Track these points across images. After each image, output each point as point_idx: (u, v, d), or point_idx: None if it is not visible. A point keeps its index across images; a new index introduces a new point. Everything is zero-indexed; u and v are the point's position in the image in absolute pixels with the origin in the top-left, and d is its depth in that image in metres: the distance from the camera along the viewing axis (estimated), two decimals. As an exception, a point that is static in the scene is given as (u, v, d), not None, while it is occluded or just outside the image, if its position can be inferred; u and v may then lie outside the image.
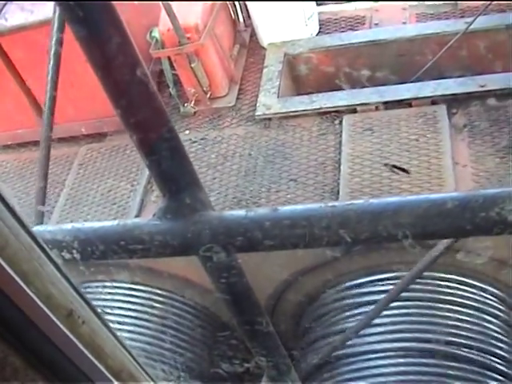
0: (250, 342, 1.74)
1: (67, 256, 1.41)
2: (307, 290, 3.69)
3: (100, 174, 4.22)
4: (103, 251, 1.44)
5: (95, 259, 1.47)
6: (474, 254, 3.07)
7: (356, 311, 3.42)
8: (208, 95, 4.39)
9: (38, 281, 0.89)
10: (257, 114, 4.17)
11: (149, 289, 3.88)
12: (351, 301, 3.49)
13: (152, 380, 1.22)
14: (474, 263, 3.27)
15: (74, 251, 1.42)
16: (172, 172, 1.34)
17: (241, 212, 1.40)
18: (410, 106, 3.86)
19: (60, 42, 2.57)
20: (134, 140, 1.25)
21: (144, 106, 1.22)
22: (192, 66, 4.17)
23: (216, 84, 4.39)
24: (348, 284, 3.55)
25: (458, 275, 3.39)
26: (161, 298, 3.89)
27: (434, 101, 3.84)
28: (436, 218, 1.27)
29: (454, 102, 3.81)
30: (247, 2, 4.68)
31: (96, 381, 1.01)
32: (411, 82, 4.06)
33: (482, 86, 3.76)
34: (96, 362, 1.01)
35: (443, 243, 2.08)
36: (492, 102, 3.71)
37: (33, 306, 0.87)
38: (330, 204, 1.34)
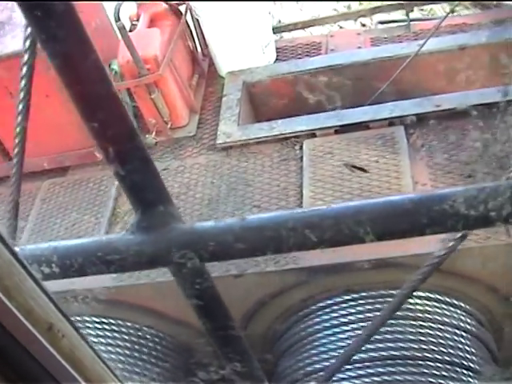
0: (223, 347, 1.77)
1: (46, 271, 1.44)
2: (276, 315, 3.71)
3: (63, 208, 4.20)
4: (81, 264, 1.48)
5: (74, 273, 1.50)
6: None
7: (328, 332, 3.45)
8: (169, 125, 4.41)
9: (20, 296, 0.92)
10: (218, 142, 4.20)
11: (117, 322, 3.87)
12: (322, 324, 3.52)
13: None
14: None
15: (53, 265, 1.46)
16: (144, 186, 1.40)
17: (210, 223, 1.48)
18: (368, 128, 3.92)
19: (30, 75, 2.58)
20: (109, 153, 1.29)
21: (119, 119, 1.28)
22: (152, 97, 4.19)
23: (176, 114, 4.41)
24: (315, 307, 3.58)
25: (427, 292, 3.43)
26: (131, 330, 3.88)
27: (391, 122, 3.90)
28: (394, 214, 1.37)
29: (411, 122, 3.88)
30: (204, 32, 4.73)
31: None
32: (368, 104, 4.13)
33: (438, 106, 3.83)
34: (76, 375, 1.03)
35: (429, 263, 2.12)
36: (448, 121, 3.79)
37: (15, 320, 0.89)
38: (295, 211, 1.46)
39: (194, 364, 3.90)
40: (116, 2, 3.91)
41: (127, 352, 3.82)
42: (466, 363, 3.27)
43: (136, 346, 3.85)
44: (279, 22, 6.03)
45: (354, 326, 3.41)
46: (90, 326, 3.84)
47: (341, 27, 5.47)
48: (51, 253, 1.47)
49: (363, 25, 6.01)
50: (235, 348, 1.77)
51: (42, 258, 1.47)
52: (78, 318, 3.84)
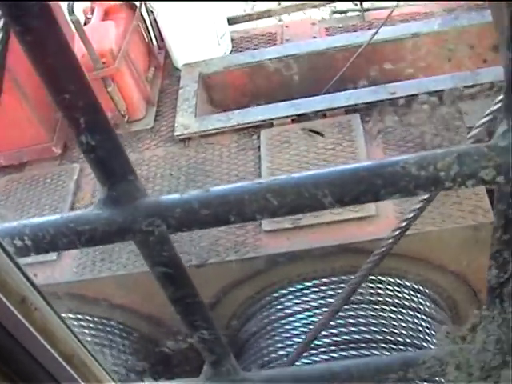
0: (189, 315, 1.81)
1: (19, 244, 1.46)
2: (238, 303, 3.74)
3: (21, 205, 4.17)
4: (53, 235, 1.50)
5: (46, 246, 1.52)
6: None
7: (291, 319, 3.50)
8: (126, 119, 4.40)
9: (-8, 269, 0.94)
10: (175, 134, 4.20)
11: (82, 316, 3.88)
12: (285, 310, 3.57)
13: (101, 366, 1.26)
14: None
15: (26, 238, 1.47)
16: (111, 159, 1.42)
17: (176, 195, 1.52)
18: (325, 116, 3.96)
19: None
20: (80, 124, 1.31)
21: (88, 90, 1.31)
22: (108, 90, 4.17)
23: (133, 107, 4.40)
24: (277, 294, 3.62)
25: (388, 276, 3.50)
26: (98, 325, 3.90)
27: (347, 110, 3.95)
28: (351, 178, 1.44)
29: (366, 110, 3.93)
30: (160, 24, 4.73)
31: (48, 366, 1.05)
32: (324, 93, 4.17)
33: (393, 94, 3.88)
34: (48, 347, 1.05)
35: (383, 247, 2.17)
36: (402, 108, 3.84)
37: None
38: (257, 180, 1.51)
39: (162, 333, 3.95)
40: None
41: (99, 327, 3.84)
42: (426, 345, 3.33)
43: (104, 321, 3.87)
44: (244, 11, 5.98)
45: (317, 311, 3.45)
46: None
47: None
48: (23, 227, 1.50)
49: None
50: (201, 316, 1.81)
51: (14, 232, 1.49)
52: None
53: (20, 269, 1.01)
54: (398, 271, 3.49)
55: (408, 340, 3.31)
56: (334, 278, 3.51)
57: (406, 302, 3.48)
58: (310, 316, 3.46)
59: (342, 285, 3.44)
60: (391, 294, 3.47)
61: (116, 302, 3.79)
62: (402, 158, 1.40)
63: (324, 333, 3.17)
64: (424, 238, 3.29)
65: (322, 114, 3.98)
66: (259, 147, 3.94)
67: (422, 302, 3.54)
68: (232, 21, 5.07)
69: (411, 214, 2.00)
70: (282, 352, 3.43)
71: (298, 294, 3.56)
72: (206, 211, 1.48)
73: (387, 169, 1.41)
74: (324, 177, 1.46)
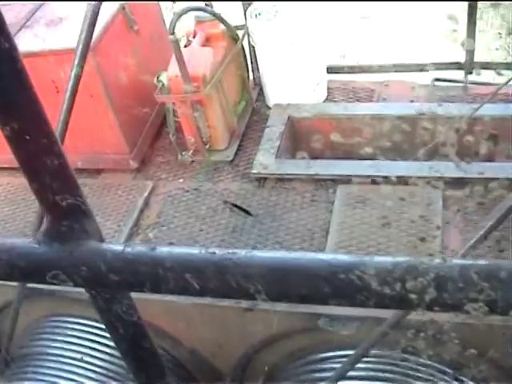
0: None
1: None
2: (278, 357, 3.64)
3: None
4: None
5: None
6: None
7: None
8: (207, 146, 4.38)
9: None
10: (253, 171, 4.15)
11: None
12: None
13: None
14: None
15: None
16: (57, 200, 1.28)
17: (119, 246, 1.33)
18: (406, 184, 3.84)
19: (79, 74, 2.59)
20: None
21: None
22: (195, 115, 4.17)
23: (216, 136, 4.38)
24: (321, 355, 3.50)
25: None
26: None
27: (430, 182, 3.82)
28: (293, 273, 1.17)
29: (450, 185, 3.79)
30: (259, 61, 4.71)
31: None
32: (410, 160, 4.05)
33: (481, 173, 3.73)
34: None
35: (391, 319, 2.05)
36: (490, 190, 3.69)
37: None
38: (177, 249, 1.30)
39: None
40: (172, 17, 3.90)
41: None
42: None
43: None
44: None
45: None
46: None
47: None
48: None
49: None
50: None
51: None
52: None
53: None
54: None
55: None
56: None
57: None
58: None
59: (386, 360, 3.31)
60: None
61: (160, 327, 3.74)
62: (360, 259, 1.12)
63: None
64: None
65: (404, 180, 3.85)
66: (333, 202, 3.85)
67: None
68: (332, 70, 5.01)
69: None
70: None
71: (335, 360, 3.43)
72: (115, 277, 1.30)
73: (339, 275, 1.11)
74: (257, 265, 1.18)
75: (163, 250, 1.29)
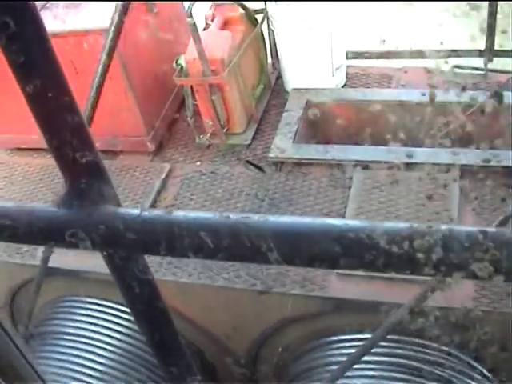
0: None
1: None
2: (291, 340, 3.65)
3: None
4: None
5: None
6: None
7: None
8: (225, 130, 4.39)
9: None
10: (270, 155, 4.16)
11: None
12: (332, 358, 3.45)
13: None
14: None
15: None
16: (81, 169, 1.29)
17: (136, 210, 1.35)
18: (424, 170, 3.83)
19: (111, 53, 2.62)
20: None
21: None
22: (212, 98, 4.17)
23: (234, 120, 4.39)
24: (333, 338, 3.51)
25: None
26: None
27: (447, 168, 3.80)
28: (304, 235, 1.20)
29: (467, 172, 3.78)
30: (278, 45, 4.70)
31: None
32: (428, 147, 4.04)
33: (499, 162, 3.71)
34: None
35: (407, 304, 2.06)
36: (506, 179, 3.68)
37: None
38: (192, 213, 1.31)
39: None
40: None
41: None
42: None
43: None
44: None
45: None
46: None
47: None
48: None
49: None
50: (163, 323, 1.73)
51: None
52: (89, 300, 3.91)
53: None
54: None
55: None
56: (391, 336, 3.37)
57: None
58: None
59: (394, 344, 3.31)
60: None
61: (175, 308, 3.76)
62: (370, 223, 1.14)
63: None
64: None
65: (421, 167, 3.84)
66: (350, 187, 3.84)
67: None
68: (351, 55, 4.99)
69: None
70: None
71: (347, 344, 3.44)
72: (132, 235, 1.32)
73: (348, 234, 1.14)
74: (271, 227, 1.22)
75: (179, 213, 1.31)
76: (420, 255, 1.09)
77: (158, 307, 1.61)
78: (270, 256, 1.19)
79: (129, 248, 1.37)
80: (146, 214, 1.32)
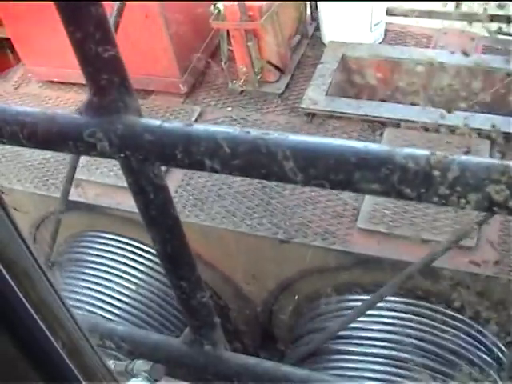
0: (174, 264, 1.76)
1: None
2: (307, 292, 3.68)
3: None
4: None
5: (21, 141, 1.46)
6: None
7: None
8: (258, 77, 4.36)
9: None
10: (302, 106, 4.13)
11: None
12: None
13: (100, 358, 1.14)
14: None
15: None
16: (103, 66, 1.30)
17: (157, 121, 1.39)
18: (453, 133, 3.78)
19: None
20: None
21: None
22: (248, 44, 4.14)
23: (268, 68, 4.35)
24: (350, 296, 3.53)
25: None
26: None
27: (479, 134, 3.76)
28: (320, 146, 1.23)
29: (500, 139, 3.73)
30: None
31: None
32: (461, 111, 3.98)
33: (534, 131, 3.67)
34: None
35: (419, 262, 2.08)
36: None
37: None
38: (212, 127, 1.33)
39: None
40: None
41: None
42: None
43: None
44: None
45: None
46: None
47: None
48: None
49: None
50: (188, 270, 1.78)
51: None
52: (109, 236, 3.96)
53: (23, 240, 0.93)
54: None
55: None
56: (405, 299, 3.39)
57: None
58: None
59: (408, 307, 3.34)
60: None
61: (194, 250, 3.79)
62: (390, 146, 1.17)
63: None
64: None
65: (452, 129, 3.79)
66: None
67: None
68: (391, 12, 4.91)
69: None
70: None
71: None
72: (150, 137, 1.35)
73: (365, 148, 1.18)
74: (290, 141, 1.24)
75: (199, 126, 1.35)
76: (436, 172, 1.10)
77: (170, 215, 1.61)
78: (286, 165, 1.20)
79: (146, 151, 1.38)
80: (166, 124, 1.33)
